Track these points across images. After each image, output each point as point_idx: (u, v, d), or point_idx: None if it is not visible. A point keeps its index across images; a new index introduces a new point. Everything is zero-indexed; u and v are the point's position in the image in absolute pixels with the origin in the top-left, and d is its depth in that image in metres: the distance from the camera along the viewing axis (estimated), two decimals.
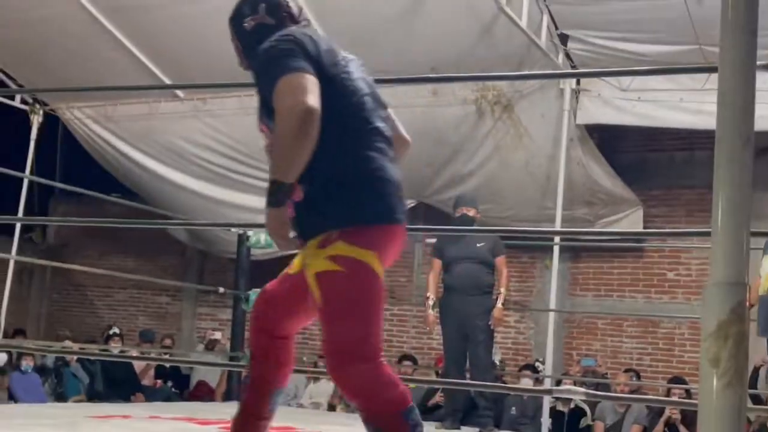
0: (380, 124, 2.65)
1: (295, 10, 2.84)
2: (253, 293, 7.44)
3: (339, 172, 2.50)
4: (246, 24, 2.78)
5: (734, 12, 1.42)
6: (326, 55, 2.58)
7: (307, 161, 2.40)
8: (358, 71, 2.70)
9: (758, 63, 2.41)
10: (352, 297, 2.47)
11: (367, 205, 2.50)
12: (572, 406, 7.97)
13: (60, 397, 8.81)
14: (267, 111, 2.55)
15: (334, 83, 2.54)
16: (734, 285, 1.42)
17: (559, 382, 7.95)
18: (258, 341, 2.76)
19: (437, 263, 6.56)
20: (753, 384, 7.81)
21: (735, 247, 1.41)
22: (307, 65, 2.47)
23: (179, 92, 8.76)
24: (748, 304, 3.40)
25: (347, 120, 2.55)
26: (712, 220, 1.43)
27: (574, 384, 7.92)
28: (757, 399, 7.60)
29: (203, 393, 9.42)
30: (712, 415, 1.43)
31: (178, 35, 7.77)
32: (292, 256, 2.75)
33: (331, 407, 8.73)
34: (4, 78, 8.68)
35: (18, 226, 9.12)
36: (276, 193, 2.39)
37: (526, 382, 8.22)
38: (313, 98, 2.39)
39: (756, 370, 7.92)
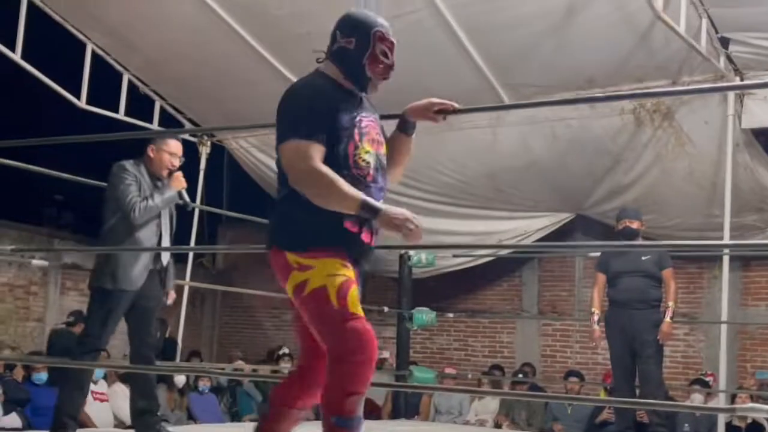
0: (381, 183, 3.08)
1: None
2: (417, 312, 7.55)
3: None
4: None
5: None
6: None
7: None
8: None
9: None
10: None
11: None
12: (749, 420, 7.67)
13: (235, 415, 9.16)
14: None
15: None
16: None
17: (734, 397, 7.67)
18: None
19: (601, 277, 6.48)
20: None
21: None
22: None
23: None
24: None
25: None
26: None
27: (751, 398, 7.63)
28: None
29: (369, 410, 9.56)
30: None
31: None
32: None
33: (497, 425, 8.71)
34: (174, 113, 9.14)
35: (191, 252, 9.58)
36: None
37: (697, 397, 7.96)
38: None
39: None
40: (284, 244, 2.87)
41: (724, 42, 7.20)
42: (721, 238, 7.29)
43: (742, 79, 7.31)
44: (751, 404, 2.78)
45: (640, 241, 6.42)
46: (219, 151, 10.15)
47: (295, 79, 8.60)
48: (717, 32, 7.11)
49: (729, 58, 7.28)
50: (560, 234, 9.55)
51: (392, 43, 3.06)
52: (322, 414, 2.80)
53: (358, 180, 2.88)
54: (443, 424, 8.72)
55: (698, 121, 7.67)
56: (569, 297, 10.25)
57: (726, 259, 7.53)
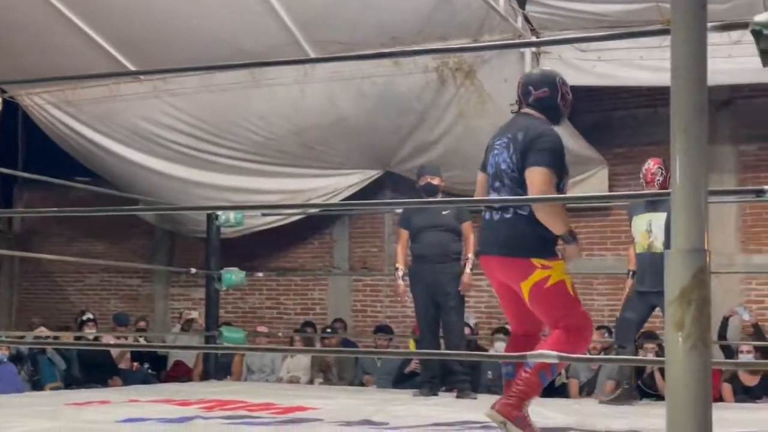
0: (492, 194, 3.95)
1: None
2: (226, 272, 7.44)
3: None
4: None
5: None
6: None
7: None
8: (494, 153, 3.96)
9: (711, 24, 2.44)
10: None
11: None
12: None
13: (37, 384, 8.77)
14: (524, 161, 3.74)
15: None
16: (695, 251, 1.46)
17: None
18: None
19: (404, 233, 6.60)
20: (723, 334, 7.96)
21: (694, 216, 1.45)
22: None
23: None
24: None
25: None
26: (672, 191, 1.47)
27: None
28: (727, 349, 7.75)
29: (181, 373, 9.42)
30: (679, 377, 1.47)
31: (134, 16, 7.70)
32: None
33: (311, 381, 8.78)
34: None
35: None
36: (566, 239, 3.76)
37: (501, 345, 8.30)
38: None
39: (726, 320, 8.06)
40: (529, 253, 3.71)
41: (522, 2, 7.46)
42: None
43: (538, 39, 7.61)
44: (539, 351, 2.92)
45: (440, 197, 6.56)
46: (12, 109, 9.60)
47: (91, 33, 8.21)
48: None
49: (526, 18, 7.55)
50: (369, 191, 9.66)
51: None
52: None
53: None
54: (255, 383, 8.69)
55: (498, 80, 7.91)
56: (379, 253, 10.41)
57: None
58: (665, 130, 1.67)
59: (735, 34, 6.43)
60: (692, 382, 1.46)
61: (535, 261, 3.70)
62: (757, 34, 2.19)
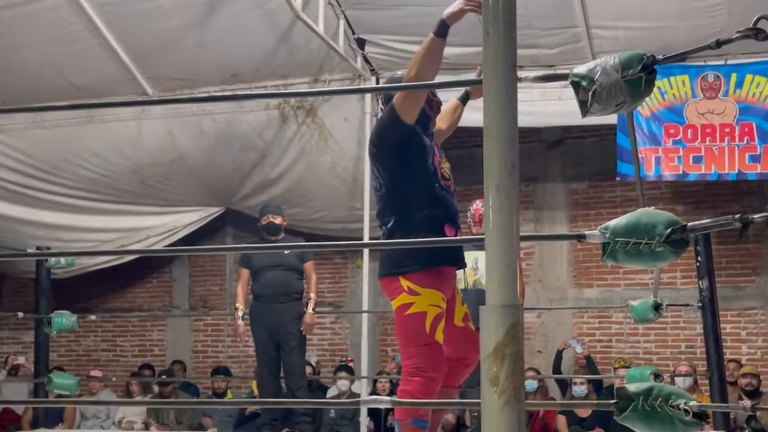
0: None
1: None
2: (56, 315, 7.10)
3: None
4: None
5: (494, 48, 1.48)
6: None
7: None
8: None
9: (534, 75, 2.51)
10: None
11: None
12: None
13: None
14: None
15: None
16: (508, 307, 1.48)
17: (375, 381, 8.08)
18: None
19: (245, 273, 6.51)
20: (557, 367, 8.22)
21: (507, 273, 1.48)
22: None
23: None
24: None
25: None
26: (486, 248, 1.49)
27: (390, 382, 8.08)
28: (562, 382, 8.01)
29: (8, 421, 8.94)
30: (494, 430, 1.49)
31: None
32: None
33: (146, 426, 8.49)
34: None
35: None
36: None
37: (343, 383, 8.30)
38: None
39: (560, 353, 8.32)
40: (397, 267, 3.43)
41: (361, 43, 7.56)
42: (362, 230, 7.68)
43: (378, 80, 7.73)
44: (373, 396, 2.91)
45: (282, 236, 6.50)
46: None
47: None
48: (354, 33, 7.44)
49: (365, 59, 7.65)
50: (211, 228, 9.51)
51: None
52: (399, 417, 3.35)
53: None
54: (89, 430, 8.35)
55: (339, 119, 7.99)
56: (221, 291, 10.23)
57: (366, 251, 7.92)
58: None
59: None
60: None
61: (404, 282, 3.40)
62: (576, 86, 2.27)
